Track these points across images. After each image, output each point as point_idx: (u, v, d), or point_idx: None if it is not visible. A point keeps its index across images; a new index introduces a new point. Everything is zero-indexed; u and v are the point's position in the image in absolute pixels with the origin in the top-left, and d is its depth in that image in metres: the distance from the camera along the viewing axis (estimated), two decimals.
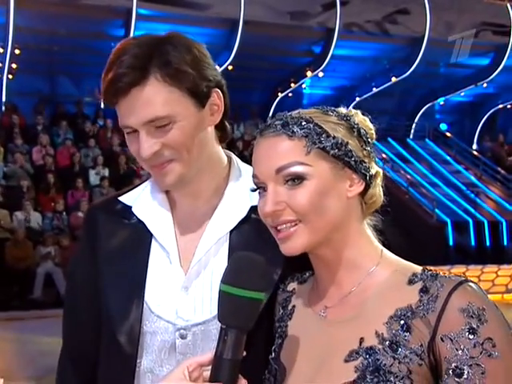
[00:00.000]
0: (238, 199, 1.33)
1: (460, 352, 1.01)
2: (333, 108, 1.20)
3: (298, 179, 1.11)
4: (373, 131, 1.22)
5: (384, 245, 1.20)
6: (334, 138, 1.12)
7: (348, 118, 1.17)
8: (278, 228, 1.14)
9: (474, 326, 1.01)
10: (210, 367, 1.07)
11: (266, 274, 1.09)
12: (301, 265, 1.24)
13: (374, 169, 1.18)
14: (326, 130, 1.13)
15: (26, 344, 7.41)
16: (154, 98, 1.21)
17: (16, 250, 10.62)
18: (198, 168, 1.30)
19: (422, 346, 1.04)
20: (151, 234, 1.34)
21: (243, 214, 1.31)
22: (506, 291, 12.20)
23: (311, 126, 1.13)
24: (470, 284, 1.06)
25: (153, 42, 1.24)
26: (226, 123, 1.36)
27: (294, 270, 1.28)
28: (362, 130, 1.17)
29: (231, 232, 1.31)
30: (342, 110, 1.21)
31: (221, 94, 1.30)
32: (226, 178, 1.36)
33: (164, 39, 1.25)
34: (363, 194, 1.17)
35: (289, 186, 1.12)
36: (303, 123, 1.13)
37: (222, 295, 1.07)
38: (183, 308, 1.29)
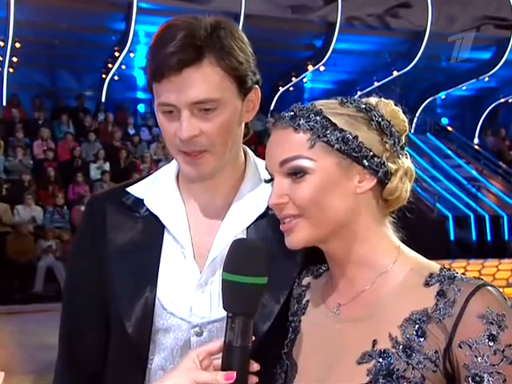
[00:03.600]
0: (254, 195, 1.31)
1: (480, 359, 0.98)
2: (355, 99, 1.15)
3: (300, 173, 1.09)
4: (405, 123, 1.16)
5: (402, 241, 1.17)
6: (341, 131, 1.09)
7: (368, 110, 1.13)
8: (283, 221, 1.13)
9: (494, 333, 0.99)
10: (219, 355, 1.08)
11: (267, 258, 1.08)
12: (319, 261, 1.23)
13: (397, 164, 1.12)
14: (334, 123, 1.10)
15: (27, 337, 7.41)
16: (207, 79, 1.18)
17: (17, 244, 10.63)
18: (227, 162, 1.28)
19: (436, 352, 1.02)
20: (163, 228, 1.30)
21: (261, 210, 1.29)
22: (507, 285, 12.19)
23: (318, 118, 1.10)
24: (488, 288, 1.03)
25: (206, 24, 1.21)
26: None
27: (313, 265, 1.27)
28: (383, 123, 1.12)
29: (248, 228, 1.29)
30: (371, 100, 1.16)
31: (259, 93, 1.28)
32: (243, 173, 1.34)
33: (215, 22, 1.22)
34: (381, 189, 1.13)
35: (292, 179, 1.10)
36: (311, 116, 1.10)
37: (225, 284, 1.07)
38: (198, 305, 1.26)
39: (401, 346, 1.03)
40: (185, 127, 1.19)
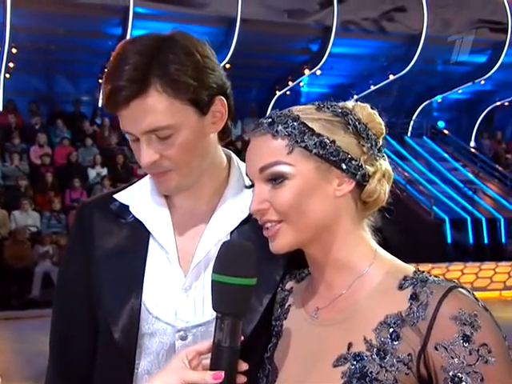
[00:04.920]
0: (238, 200, 1.32)
1: (456, 360, 1.00)
2: (332, 103, 1.16)
3: (279, 179, 1.10)
4: (381, 126, 1.18)
5: (381, 244, 1.18)
6: (318, 136, 1.10)
7: (345, 114, 1.14)
8: (265, 226, 1.14)
9: (468, 333, 1.00)
10: (208, 355, 1.08)
11: (255, 260, 1.09)
12: (302, 264, 1.23)
13: (374, 166, 1.14)
14: (311, 128, 1.11)
15: (24, 343, 7.40)
16: (155, 108, 1.18)
17: (14, 250, 10.61)
18: (199, 175, 1.29)
19: (410, 355, 1.03)
20: (149, 234, 1.32)
21: (244, 215, 1.29)
22: (504, 288, 12.22)
23: (296, 124, 1.11)
24: (460, 289, 1.05)
25: (153, 48, 1.20)
26: (228, 123, 1.32)
27: (296, 269, 1.28)
28: (360, 126, 1.13)
29: (231, 233, 1.30)
30: (347, 104, 1.18)
31: (225, 101, 1.26)
32: (227, 178, 1.35)
33: (164, 44, 1.21)
34: (360, 192, 1.14)
35: (272, 185, 1.11)
36: (288, 121, 1.12)
37: (215, 284, 1.08)
38: (183, 309, 1.27)
39: (375, 349, 1.05)
40: (143, 155, 1.22)
